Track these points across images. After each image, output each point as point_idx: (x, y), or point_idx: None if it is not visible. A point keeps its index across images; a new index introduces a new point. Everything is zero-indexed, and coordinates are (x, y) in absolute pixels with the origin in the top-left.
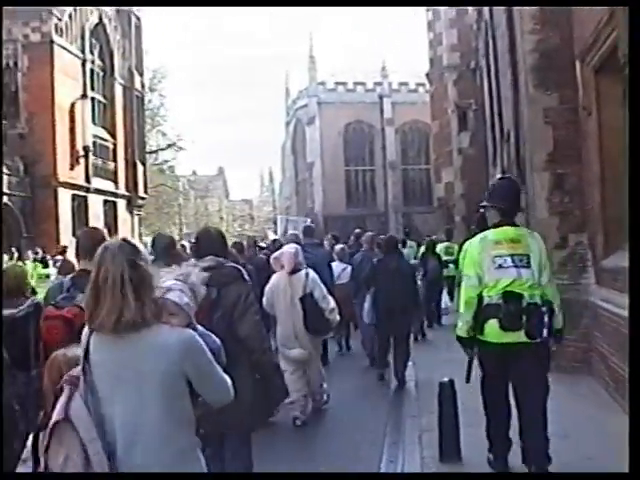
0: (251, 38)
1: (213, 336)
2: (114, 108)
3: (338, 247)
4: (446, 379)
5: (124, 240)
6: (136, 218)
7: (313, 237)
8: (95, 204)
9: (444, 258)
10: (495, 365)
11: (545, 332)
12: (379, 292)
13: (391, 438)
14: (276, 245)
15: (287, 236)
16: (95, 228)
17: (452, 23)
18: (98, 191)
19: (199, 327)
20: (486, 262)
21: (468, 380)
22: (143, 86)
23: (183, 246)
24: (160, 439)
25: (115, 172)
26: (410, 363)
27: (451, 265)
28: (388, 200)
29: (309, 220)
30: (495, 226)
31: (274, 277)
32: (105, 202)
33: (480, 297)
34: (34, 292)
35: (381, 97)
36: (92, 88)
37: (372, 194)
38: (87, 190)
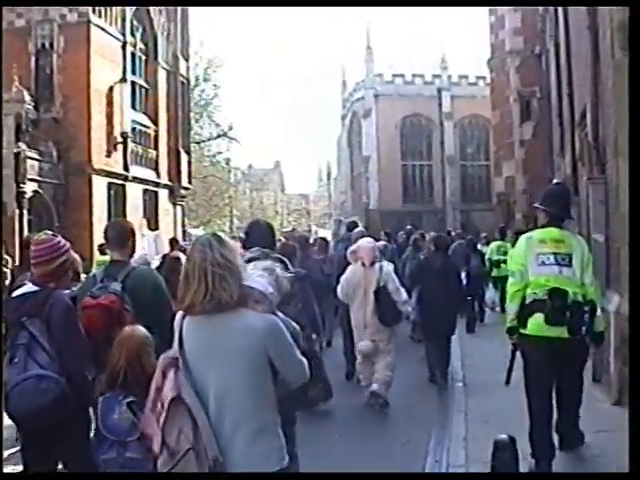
0: (307, 29)
1: (293, 323)
2: (157, 94)
3: (380, 244)
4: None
5: (213, 234)
6: (179, 209)
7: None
8: (134, 193)
9: (495, 257)
10: (539, 359)
11: (584, 329)
12: (424, 291)
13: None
14: (321, 244)
15: (355, 233)
16: (124, 220)
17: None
18: (137, 180)
19: (280, 314)
20: (530, 259)
21: (508, 382)
22: (189, 72)
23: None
24: (246, 413)
25: (157, 160)
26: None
27: (503, 265)
28: (446, 196)
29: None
30: (542, 227)
31: (350, 269)
32: (145, 191)
33: (524, 294)
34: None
35: (440, 90)
36: (133, 72)
37: (429, 190)
38: (125, 178)
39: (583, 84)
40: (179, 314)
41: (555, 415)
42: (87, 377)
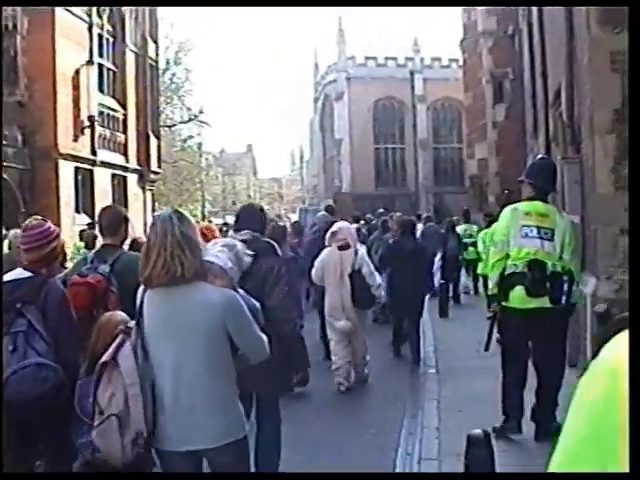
0: (279, 12)
1: (252, 299)
2: (125, 77)
3: (354, 226)
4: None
5: (175, 211)
6: (149, 194)
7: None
8: (102, 178)
9: (463, 240)
10: (517, 331)
11: (564, 299)
12: (394, 274)
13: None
14: (294, 227)
15: (319, 217)
16: (116, 207)
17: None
18: (105, 164)
19: (240, 290)
20: (514, 230)
21: (487, 348)
22: (158, 55)
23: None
24: (204, 385)
25: (125, 145)
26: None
27: (470, 248)
28: (419, 179)
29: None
30: (528, 200)
31: (325, 252)
32: (114, 176)
33: (504, 265)
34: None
35: (412, 73)
36: (100, 55)
37: (402, 173)
38: (93, 163)
39: (557, 62)
40: (141, 287)
41: (534, 400)
42: (80, 366)
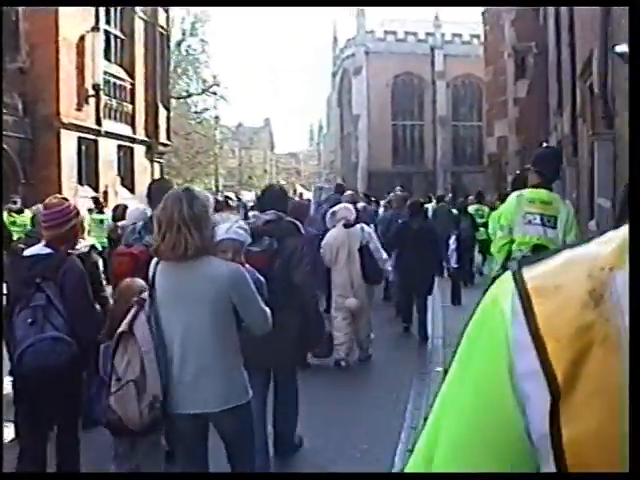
0: None
1: (257, 273)
2: (133, 45)
3: (359, 206)
4: None
5: (186, 188)
6: (157, 166)
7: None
8: (107, 149)
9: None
10: None
11: None
12: (403, 252)
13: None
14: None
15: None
16: (165, 179)
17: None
18: (111, 135)
19: (247, 265)
20: (518, 216)
21: None
22: (168, 23)
23: (218, 201)
24: (209, 352)
25: (133, 115)
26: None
27: (481, 228)
28: (437, 158)
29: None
30: (533, 187)
31: (332, 231)
32: (120, 147)
33: (509, 250)
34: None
35: (433, 48)
36: (107, 22)
37: (420, 151)
38: (97, 133)
39: (588, 28)
40: (154, 259)
41: None
42: (95, 342)
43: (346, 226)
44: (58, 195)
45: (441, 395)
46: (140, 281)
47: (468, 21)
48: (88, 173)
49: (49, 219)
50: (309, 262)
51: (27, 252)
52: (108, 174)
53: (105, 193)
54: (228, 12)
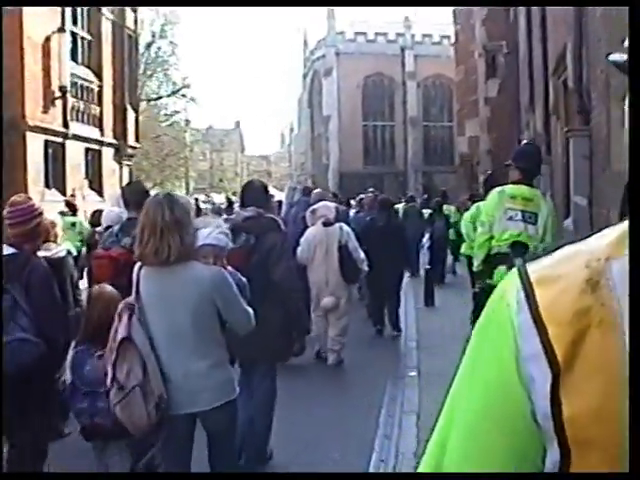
0: None
1: (239, 274)
2: (101, 46)
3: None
4: None
5: (167, 194)
6: (126, 169)
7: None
8: (74, 152)
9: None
10: None
11: None
12: (369, 249)
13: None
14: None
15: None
16: (140, 181)
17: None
18: (78, 137)
19: (229, 267)
20: (499, 212)
21: (473, 324)
22: (137, 25)
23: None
24: (195, 353)
25: (100, 118)
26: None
27: (450, 230)
28: (408, 158)
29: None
30: (514, 183)
31: (310, 230)
32: (87, 150)
33: (490, 245)
34: None
35: (403, 49)
36: (74, 22)
37: (391, 151)
38: (64, 136)
39: (561, 22)
40: (137, 264)
41: None
42: (61, 341)
43: (325, 224)
44: (22, 194)
45: (453, 387)
46: (109, 287)
47: (438, 22)
48: (55, 176)
49: (14, 216)
50: (289, 258)
51: None
52: (76, 177)
53: (73, 196)
54: (198, 14)
